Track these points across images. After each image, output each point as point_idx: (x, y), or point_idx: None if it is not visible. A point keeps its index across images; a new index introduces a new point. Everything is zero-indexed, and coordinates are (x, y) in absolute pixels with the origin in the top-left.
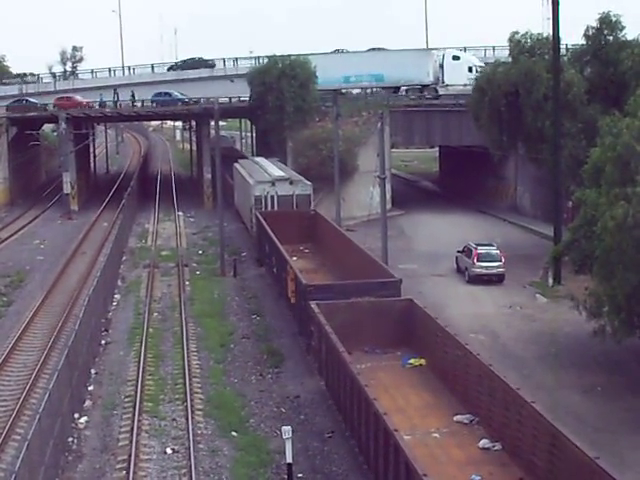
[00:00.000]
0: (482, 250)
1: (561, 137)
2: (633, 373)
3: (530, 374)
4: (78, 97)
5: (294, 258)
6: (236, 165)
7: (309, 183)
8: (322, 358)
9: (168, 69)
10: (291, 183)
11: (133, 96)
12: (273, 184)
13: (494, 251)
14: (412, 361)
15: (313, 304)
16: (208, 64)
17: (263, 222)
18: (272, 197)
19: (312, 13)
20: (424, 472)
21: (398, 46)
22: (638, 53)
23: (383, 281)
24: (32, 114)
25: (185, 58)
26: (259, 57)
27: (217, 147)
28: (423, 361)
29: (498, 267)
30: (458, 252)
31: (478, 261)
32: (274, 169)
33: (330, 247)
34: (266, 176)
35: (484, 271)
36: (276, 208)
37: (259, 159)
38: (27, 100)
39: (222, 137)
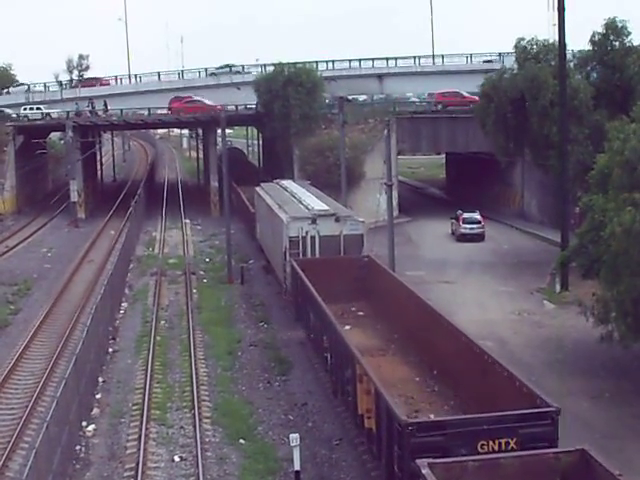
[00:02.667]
0: (466, 215)
1: (568, 143)
2: None
3: (538, 380)
4: (206, 100)
5: (347, 327)
6: (259, 190)
7: (361, 220)
8: None
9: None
10: (337, 220)
11: (105, 105)
12: (314, 221)
13: (476, 216)
14: None
15: (425, 468)
16: (236, 70)
17: (301, 274)
18: (312, 238)
19: (318, 21)
20: None
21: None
22: None
23: (529, 413)
24: (39, 122)
25: (221, 64)
26: (265, 65)
27: (224, 155)
28: None
29: (478, 228)
30: (451, 218)
31: (463, 223)
32: (311, 198)
33: (394, 309)
34: (303, 210)
35: (468, 231)
36: (317, 253)
37: (287, 183)
38: (1, 110)
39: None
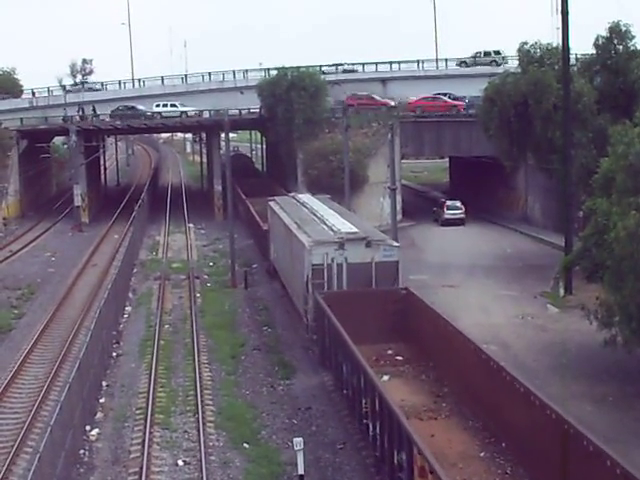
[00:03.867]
0: (449, 203)
1: (571, 147)
2: None
3: (541, 385)
4: (376, 97)
5: (385, 377)
6: (273, 205)
7: (396, 244)
8: None
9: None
10: (368, 245)
11: (94, 110)
12: (341, 246)
13: (457, 204)
14: None
15: None
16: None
17: (327, 310)
18: (339, 266)
19: (321, 25)
20: None
21: (407, 55)
22: None
23: None
24: (43, 127)
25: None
26: (268, 69)
27: (227, 159)
28: None
29: (460, 214)
30: (434, 208)
31: (447, 210)
32: (335, 218)
33: (440, 354)
34: (328, 232)
35: (450, 216)
36: (345, 283)
37: (305, 198)
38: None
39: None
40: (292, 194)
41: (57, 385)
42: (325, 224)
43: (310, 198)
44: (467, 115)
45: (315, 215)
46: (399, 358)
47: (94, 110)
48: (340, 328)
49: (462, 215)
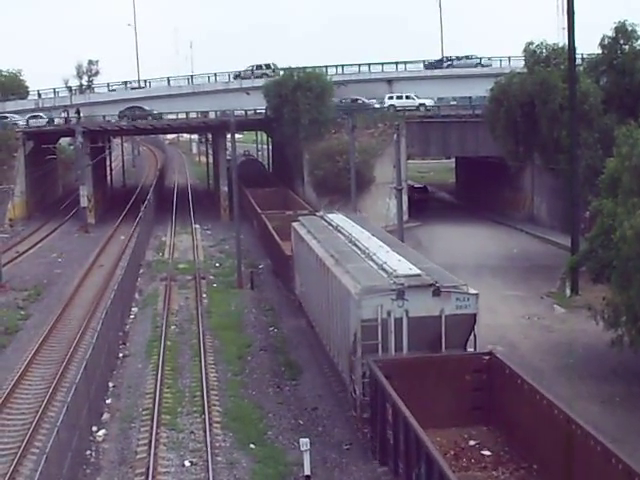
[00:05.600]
0: (416, 186)
1: (577, 147)
2: None
3: (548, 385)
4: None
5: None
6: (298, 228)
7: (473, 292)
8: None
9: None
10: (437, 293)
11: (78, 113)
12: (400, 295)
13: (422, 186)
14: None
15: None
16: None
17: (385, 385)
18: (398, 322)
19: (328, 26)
20: None
21: (413, 56)
22: None
23: None
24: (48, 128)
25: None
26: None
27: (233, 158)
28: None
29: (425, 195)
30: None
31: (415, 192)
32: (383, 250)
33: (545, 448)
34: (379, 274)
35: (417, 198)
36: (405, 344)
37: (337, 219)
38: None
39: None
40: (320, 213)
41: (64, 386)
42: (373, 261)
43: (343, 220)
44: (473, 115)
45: (356, 246)
46: (486, 453)
47: (78, 113)
48: (406, 411)
49: (427, 196)
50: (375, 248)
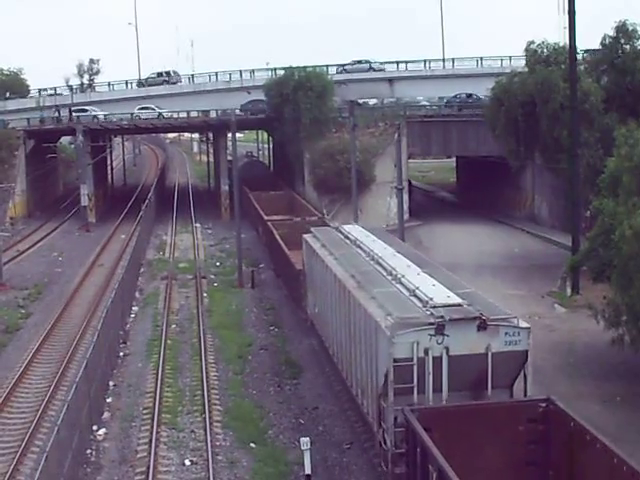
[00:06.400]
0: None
1: (578, 146)
2: None
3: (549, 384)
4: None
5: None
6: (311, 242)
7: (524, 325)
8: None
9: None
10: (483, 327)
11: (59, 112)
12: (440, 330)
13: None
14: None
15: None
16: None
17: (424, 439)
18: (437, 361)
19: (330, 24)
20: None
21: (414, 55)
22: None
23: None
24: (49, 126)
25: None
26: (275, 68)
27: (234, 158)
28: None
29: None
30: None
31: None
32: (415, 273)
33: None
34: (412, 303)
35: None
36: (445, 387)
37: (355, 232)
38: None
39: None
40: (335, 225)
41: (64, 385)
42: (403, 285)
43: (362, 232)
44: (474, 115)
45: (380, 265)
46: None
47: (70, 112)
48: (450, 472)
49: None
50: (403, 269)
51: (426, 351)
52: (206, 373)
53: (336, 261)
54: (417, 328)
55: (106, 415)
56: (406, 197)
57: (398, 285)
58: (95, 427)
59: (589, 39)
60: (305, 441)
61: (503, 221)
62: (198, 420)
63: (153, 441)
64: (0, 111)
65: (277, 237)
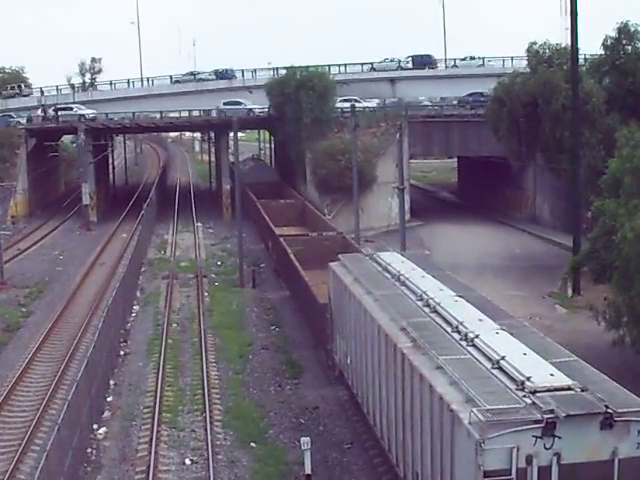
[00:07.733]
0: None
1: (580, 147)
2: None
3: None
4: None
5: None
6: (340, 274)
7: None
8: None
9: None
10: (607, 424)
11: (56, 112)
12: (549, 430)
13: None
14: None
15: None
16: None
17: None
18: (544, 472)
19: (331, 24)
20: None
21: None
22: None
23: None
24: (51, 125)
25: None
26: (277, 68)
27: (236, 158)
28: None
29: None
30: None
31: None
32: (486, 330)
33: None
34: (504, 385)
35: None
36: None
37: (396, 264)
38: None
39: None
40: (369, 252)
41: (65, 383)
42: (479, 350)
43: (404, 264)
44: (476, 115)
45: (438, 313)
46: None
47: (56, 112)
48: None
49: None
50: (474, 324)
51: (529, 459)
52: (207, 372)
53: (377, 304)
54: (517, 428)
55: (107, 414)
56: (407, 197)
57: (471, 349)
58: (96, 426)
59: (590, 40)
60: (305, 441)
61: (504, 221)
62: (198, 419)
63: (153, 440)
64: (1, 110)
65: (292, 258)
